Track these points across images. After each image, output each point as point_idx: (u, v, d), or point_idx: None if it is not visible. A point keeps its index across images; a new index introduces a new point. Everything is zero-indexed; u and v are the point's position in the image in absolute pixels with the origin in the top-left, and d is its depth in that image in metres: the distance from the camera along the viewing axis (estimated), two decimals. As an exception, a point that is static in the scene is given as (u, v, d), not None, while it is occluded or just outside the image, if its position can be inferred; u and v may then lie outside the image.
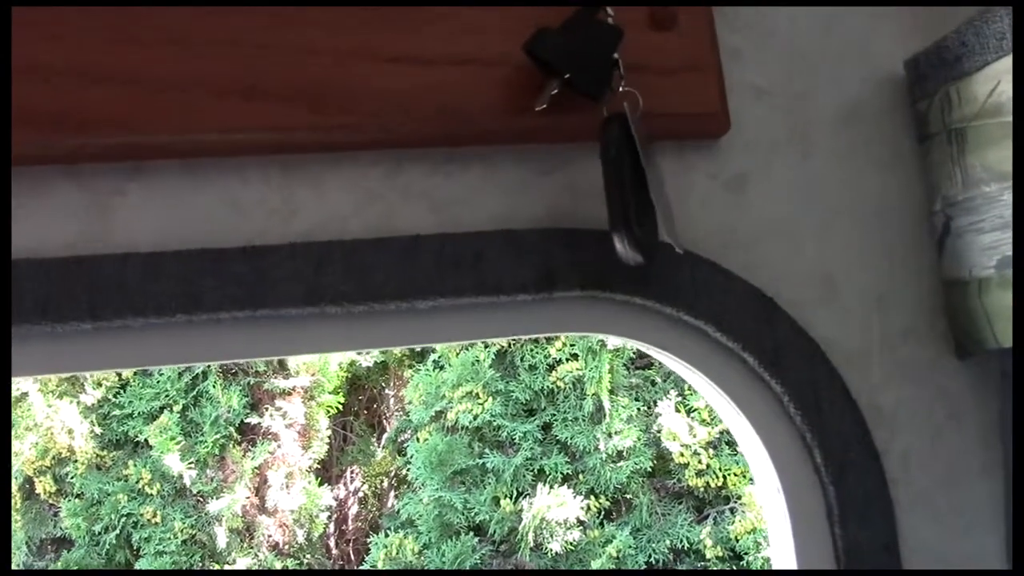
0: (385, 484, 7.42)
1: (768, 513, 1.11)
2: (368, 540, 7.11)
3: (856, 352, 1.09)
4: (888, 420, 1.08)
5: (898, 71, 1.17)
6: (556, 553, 5.95)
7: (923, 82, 1.13)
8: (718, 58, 1.08)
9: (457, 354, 5.95)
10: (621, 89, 0.99)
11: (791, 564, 1.06)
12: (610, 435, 6.02)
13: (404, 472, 7.04)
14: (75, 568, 6.02)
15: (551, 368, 5.89)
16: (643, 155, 0.96)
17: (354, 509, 7.42)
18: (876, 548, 1.04)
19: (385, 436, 7.38)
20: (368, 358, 6.72)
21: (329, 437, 6.91)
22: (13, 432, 5.66)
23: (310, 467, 6.66)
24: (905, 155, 1.15)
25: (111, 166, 0.98)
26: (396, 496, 7.22)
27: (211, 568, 6.04)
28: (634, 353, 5.97)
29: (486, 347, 5.82)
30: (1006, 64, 0.99)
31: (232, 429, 6.11)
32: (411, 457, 6.25)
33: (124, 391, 5.96)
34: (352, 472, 7.44)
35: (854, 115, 1.16)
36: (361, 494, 7.50)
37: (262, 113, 0.97)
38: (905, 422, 1.09)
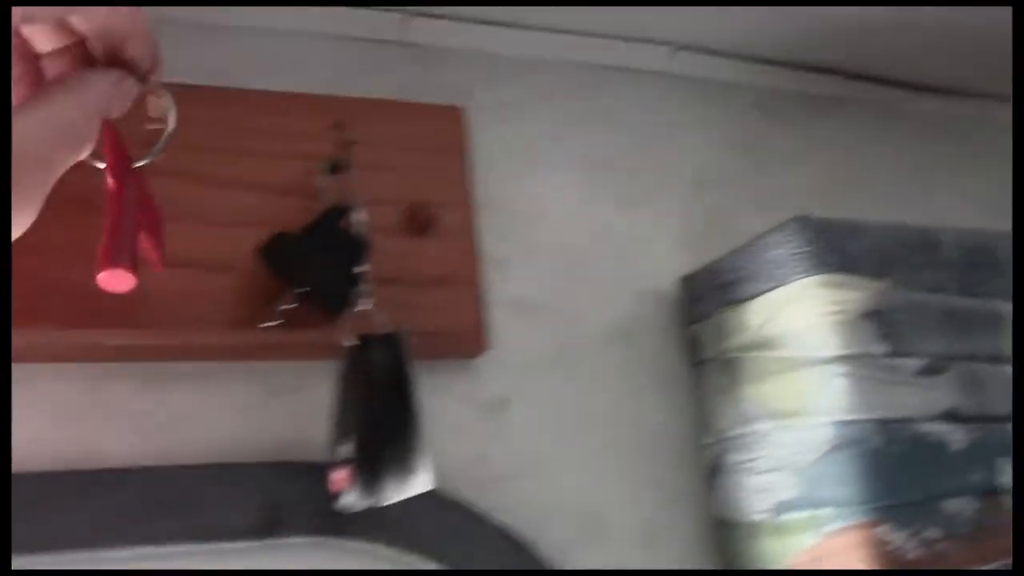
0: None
1: None
2: None
3: (624, 601, 0.98)
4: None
5: (672, 288, 1.10)
6: None
7: (697, 303, 1.06)
8: (477, 269, 0.99)
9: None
10: (363, 307, 0.87)
11: None
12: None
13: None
14: None
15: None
16: (412, 384, 0.85)
17: None
18: None
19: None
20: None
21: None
22: None
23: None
24: (679, 379, 1.07)
25: None
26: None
27: None
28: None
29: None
30: (781, 295, 0.93)
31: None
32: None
33: None
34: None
35: (624, 334, 1.08)
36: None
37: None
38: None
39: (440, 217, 0.98)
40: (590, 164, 1.13)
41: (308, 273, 0.87)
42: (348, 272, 0.88)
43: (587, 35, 1.17)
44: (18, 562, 0.80)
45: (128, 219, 0.60)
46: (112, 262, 0.58)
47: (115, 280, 0.60)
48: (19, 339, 0.82)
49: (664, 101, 1.21)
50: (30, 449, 0.84)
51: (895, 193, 1.29)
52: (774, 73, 1.27)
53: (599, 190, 1.13)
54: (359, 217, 0.91)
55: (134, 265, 0.58)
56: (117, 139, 0.57)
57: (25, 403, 0.85)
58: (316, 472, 0.87)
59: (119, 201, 0.59)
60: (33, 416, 0.86)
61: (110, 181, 0.58)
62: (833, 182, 1.26)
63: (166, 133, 0.61)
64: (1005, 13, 1.12)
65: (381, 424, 0.85)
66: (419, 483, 0.84)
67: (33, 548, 0.81)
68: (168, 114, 0.61)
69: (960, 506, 0.88)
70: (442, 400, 0.97)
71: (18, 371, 0.85)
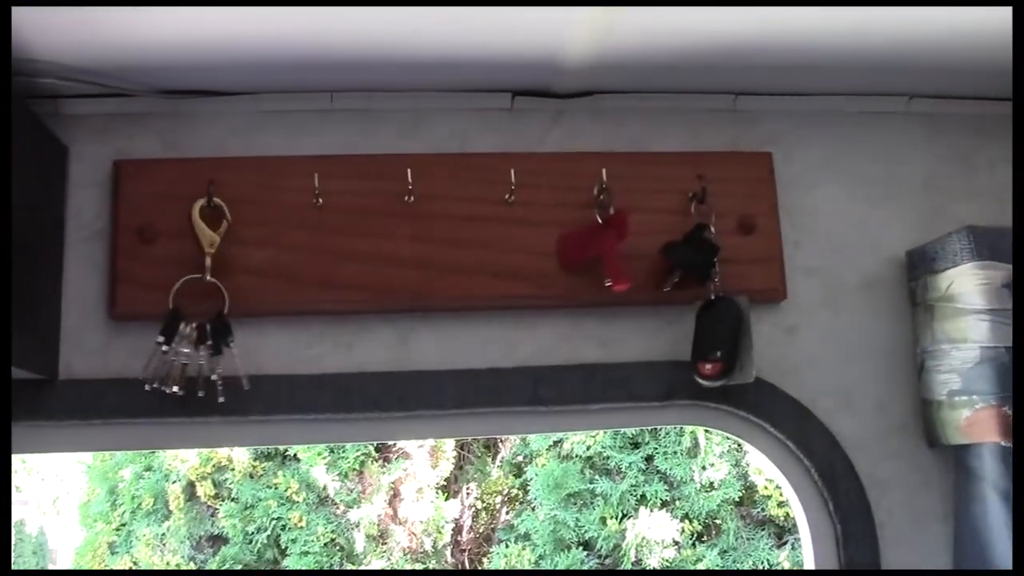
0: (498, 501, 8.10)
1: (803, 542, 1.75)
2: (480, 551, 7.79)
3: (862, 442, 1.72)
4: (880, 485, 1.70)
5: (902, 256, 1.80)
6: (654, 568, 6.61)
7: (914, 269, 1.76)
8: (781, 252, 1.73)
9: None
10: (716, 279, 1.65)
11: None
12: (704, 468, 6.69)
13: (515, 491, 7.73)
14: (229, 566, 6.83)
15: (654, 404, 6.57)
16: (746, 324, 1.62)
17: (468, 522, 8.13)
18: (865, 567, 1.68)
19: (500, 458, 8.09)
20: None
21: (455, 457, 7.63)
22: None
23: (437, 484, 7.39)
24: (903, 313, 1.78)
25: (409, 315, 1.67)
26: (507, 512, 7.92)
27: (348, 568, 6.79)
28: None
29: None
30: (956, 271, 1.62)
31: (371, 447, 6.88)
32: (531, 479, 6.95)
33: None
34: (468, 489, 8.16)
35: (871, 285, 1.79)
36: (474, 510, 8.21)
37: (499, 286, 1.65)
38: (892, 486, 1.71)
39: (758, 222, 1.73)
40: (850, 178, 1.84)
41: (686, 261, 1.65)
42: (708, 261, 1.66)
43: (850, 95, 1.86)
44: (554, 408, 1.66)
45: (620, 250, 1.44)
46: (622, 278, 1.41)
47: (623, 286, 1.44)
48: (539, 297, 1.66)
49: (902, 131, 1.87)
50: (547, 352, 1.69)
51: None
52: (981, 103, 1.90)
53: (857, 195, 1.83)
54: (712, 228, 1.68)
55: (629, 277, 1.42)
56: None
57: (546, 331, 1.69)
58: (692, 366, 1.66)
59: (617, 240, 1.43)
60: (549, 338, 1.70)
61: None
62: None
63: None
64: None
65: (731, 340, 1.63)
66: (750, 373, 1.61)
67: (557, 403, 1.65)
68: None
69: (1057, 394, 1.56)
70: (760, 326, 1.72)
71: (541, 313, 1.69)
